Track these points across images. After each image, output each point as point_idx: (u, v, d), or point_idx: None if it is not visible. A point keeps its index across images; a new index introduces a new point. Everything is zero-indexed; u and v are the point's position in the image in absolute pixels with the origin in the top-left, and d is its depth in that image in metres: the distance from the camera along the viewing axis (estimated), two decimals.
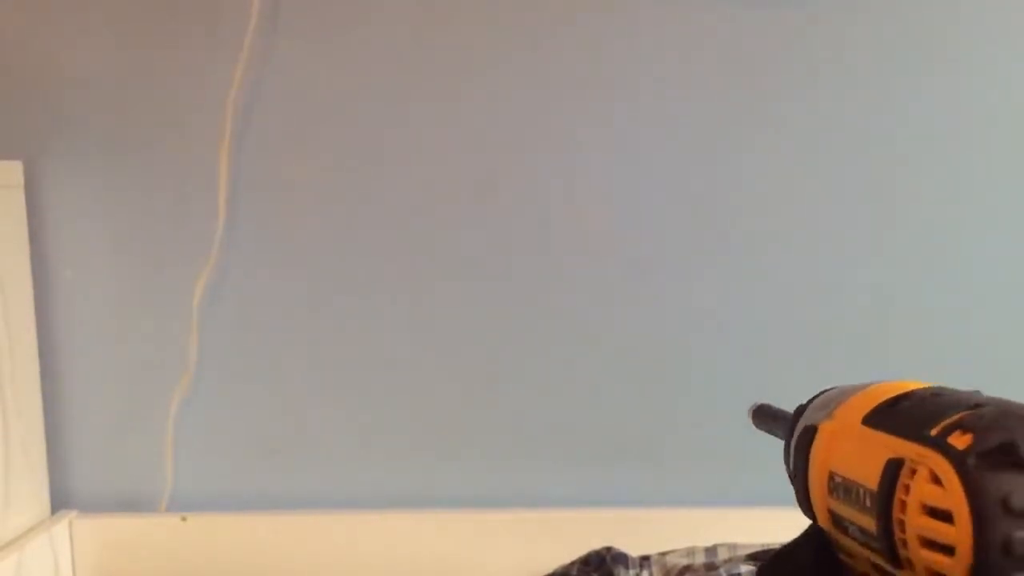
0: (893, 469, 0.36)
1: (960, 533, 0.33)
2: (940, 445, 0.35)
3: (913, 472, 0.35)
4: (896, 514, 0.36)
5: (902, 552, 0.36)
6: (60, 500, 0.90)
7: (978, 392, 0.38)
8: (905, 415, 0.38)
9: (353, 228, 0.89)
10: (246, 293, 0.89)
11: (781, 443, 0.46)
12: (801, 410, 0.45)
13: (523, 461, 0.90)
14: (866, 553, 0.39)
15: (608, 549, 0.83)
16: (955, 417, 0.35)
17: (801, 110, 0.86)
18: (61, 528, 0.88)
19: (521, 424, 0.90)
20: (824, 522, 0.41)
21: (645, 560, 0.81)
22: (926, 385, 0.40)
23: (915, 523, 0.35)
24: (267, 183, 0.88)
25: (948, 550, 0.34)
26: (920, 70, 0.86)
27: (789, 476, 0.44)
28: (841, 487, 0.40)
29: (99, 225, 0.89)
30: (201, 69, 0.87)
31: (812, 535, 0.43)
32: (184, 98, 0.87)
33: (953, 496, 0.34)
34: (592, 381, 0.89)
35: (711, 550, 0.78)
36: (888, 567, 0.37)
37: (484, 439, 0.90)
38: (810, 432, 0.42)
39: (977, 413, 0.35)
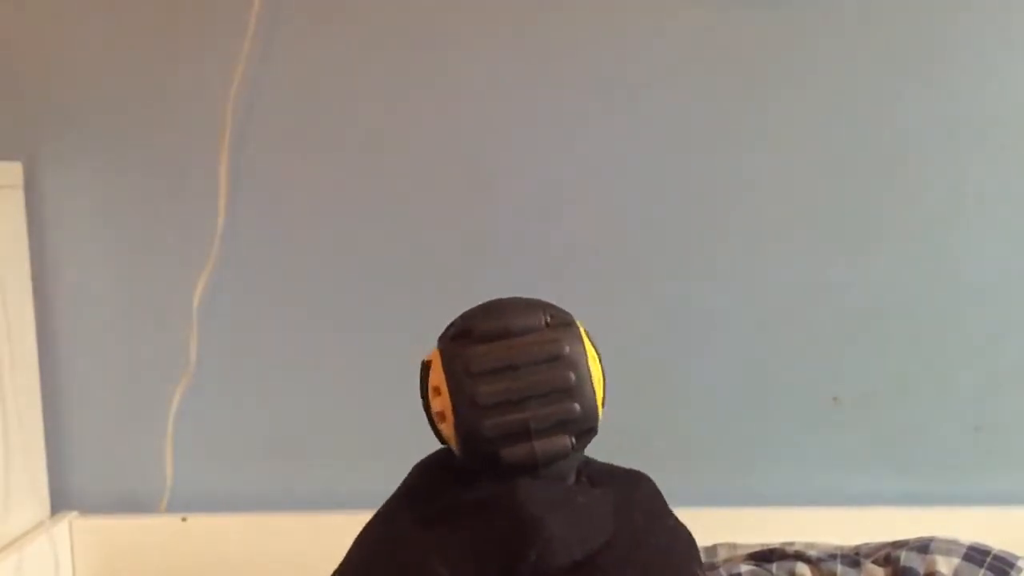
0: (425, 368, 0.43)
1: (444, 400, 0.41)
2: (439, 341, 0.43)
3: (429, 365, 0.43)
4: (428, 402, 0.43)
5: (438, 429, 0.43)
6: (60, 500, 0.91)
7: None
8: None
9: (353, 227, 0.89)
10: (246, 293, 0.89)
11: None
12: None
13: None
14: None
15: None
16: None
17: (801, 109, 0.86)
18: (61, 528, 0.88)
19: None
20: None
21: None
22: None
23: (431, 404, 0.43)
24: (267, 183, 0.88)
25: (444, 417, 0.42)
26: (920, 69, 0.85)
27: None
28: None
29: (99, 225, 0.89)
30: (201, 68, 0.87)
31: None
32: (184, 97, 0.87)
33: (437, 373, 0.42)
34: None
35: (711, 550, 0.78)
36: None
37: None
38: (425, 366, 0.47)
39: (466, 313, 0.44)
